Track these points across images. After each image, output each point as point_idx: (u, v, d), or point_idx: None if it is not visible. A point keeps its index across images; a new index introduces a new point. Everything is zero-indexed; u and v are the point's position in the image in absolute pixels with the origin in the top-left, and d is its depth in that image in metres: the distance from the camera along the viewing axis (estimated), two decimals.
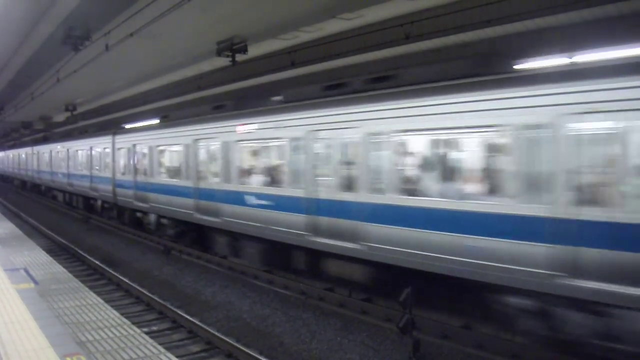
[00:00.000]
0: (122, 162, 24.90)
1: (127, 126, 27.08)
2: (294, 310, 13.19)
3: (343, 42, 15.95)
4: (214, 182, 17.08)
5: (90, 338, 8.33)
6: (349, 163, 11.99)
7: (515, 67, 10.32)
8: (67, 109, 36.41)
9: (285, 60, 17.93)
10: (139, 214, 23.81)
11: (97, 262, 18.01)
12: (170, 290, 15.44)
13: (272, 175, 14.77)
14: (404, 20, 13.73)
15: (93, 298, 10.88)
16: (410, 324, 10.12)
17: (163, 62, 21.71)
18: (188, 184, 18.43)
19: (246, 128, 15.38)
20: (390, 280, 11.48)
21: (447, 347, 10.61)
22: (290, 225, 13.50)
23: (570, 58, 9.63)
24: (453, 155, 10.60)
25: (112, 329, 8.85)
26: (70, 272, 14.31)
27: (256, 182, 15.28)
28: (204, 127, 17.65)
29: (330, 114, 12.28)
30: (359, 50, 15.71)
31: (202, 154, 17.86)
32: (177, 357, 7.99)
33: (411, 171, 11.06)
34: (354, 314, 12.75)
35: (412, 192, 10.74)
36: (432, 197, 10.39)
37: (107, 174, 26.71)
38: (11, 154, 61.09)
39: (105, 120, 39.40)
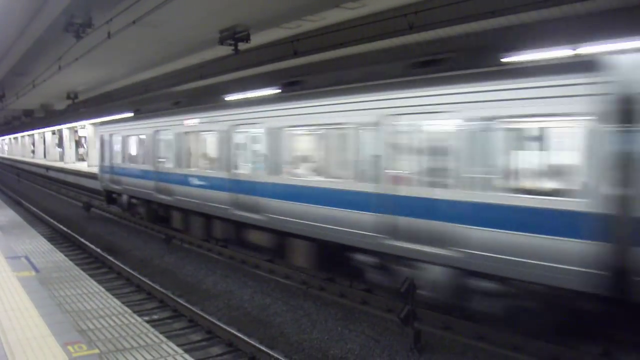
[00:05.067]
0: None
1: None
2: (295, 300, 13.20)
3: (346, 32, 15.88)
4: None
5: (92, 326, 8.34)
6: None
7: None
8: (68, 97, 36.33)
9: (288, 50, 17.86)
10: None
11: (98, 251, 18.02)
12: (171, 279, 15.46)
13: None
14: (408, 10, 13.67)
15: (94, 286, 10.88)
16: (411, 315, 10.13)
17: (165, 51, 21.64)
18: None
19: None
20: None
21: (448, 339, 10.62)
22: None
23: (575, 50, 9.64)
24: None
25: (113, 318, 8.85)
26: (72, 260, 14.34)
27: None
28: None
29: None
30: (362, 40, 15.64)
31: None
32: (177, 346, 7.98)
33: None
34: (354, 304, 12.76)
35: None
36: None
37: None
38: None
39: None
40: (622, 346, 8.85)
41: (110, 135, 25.65)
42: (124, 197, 24.68)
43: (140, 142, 22.68)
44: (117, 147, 24.89)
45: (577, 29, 12.08)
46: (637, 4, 11.51)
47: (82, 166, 52.06)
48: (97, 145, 28.23)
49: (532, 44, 10.80)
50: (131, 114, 26.26)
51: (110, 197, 26.87)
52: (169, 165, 19.65)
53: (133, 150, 23.59)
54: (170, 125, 19.48)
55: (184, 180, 18.47)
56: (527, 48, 10.79)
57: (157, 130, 20.47)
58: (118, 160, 24.77)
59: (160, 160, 20.39)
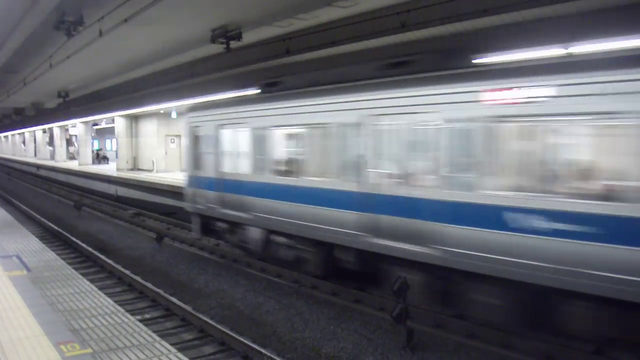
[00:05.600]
0: None
1: None
2: (287, 299, 13.21)
3: (338, 30, 15.86)
4: None
5: (84, 326, 8.30)
6: None
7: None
8: (59, 96, 36.16)
9: (280, 48, 17.83)
10: None
11: (89, 249, 17.96)
12: (163, 277, 15.43)
13: None
14: (400, 8, 13.67)
15: (86, 285, 10.84)
16: (403, 313, 10.15)
17: (157, 49, 21.57)
18: None
19: None
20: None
21: (440, 337, 10.66)
22: None
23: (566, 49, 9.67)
24: None
25: (106, 317, 8.81)
26: (63, 259, 14.26)
27: None
28: None
29: None
30: (354, 38, 15.63)
31: None
32: (170, 345, 7.97)
33: None
34: (347, 303, 12.78)
35: None
36: None
37: None
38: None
39: None
40: (614, 344, 8.90)
41: (218, 128, 16.35)
42: (253, 232, 15.29)
43: (308, 141, 13.58)
44: (238, 147, 15.60)
45: (571, 27, 12.11)
46: None
47: (73, 165, 51.86)
48: (186, 143, 18.55)
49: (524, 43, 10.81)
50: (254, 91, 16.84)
51: (208, 226, 17.56)
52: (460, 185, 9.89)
53: (285, 153, 14.61)
54: (457, 104, 9.95)
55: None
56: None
57: (378, 115, 11.33)
58: (242, 169, 15.39)
59: (397, 174, 11.12)
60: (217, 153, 16.39)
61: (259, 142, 14.69)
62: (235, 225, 16.12)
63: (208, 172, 16.80)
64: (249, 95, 16.78)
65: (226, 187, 16.01)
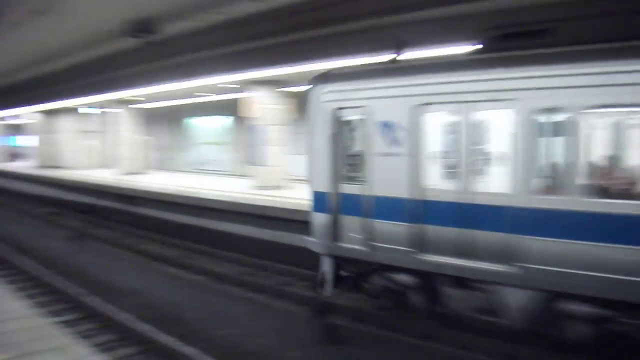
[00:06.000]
0: None
1: None
2: (209, 296, 13.24)
3: (256, 25, 15.90)
4: None
5: None
6: None
7: None
8: None
9: (201, 42, 17.75)
10: None
11: (3, 249, 17.42)
12: (83, 277, 15.12)
13: None
14: (313, 5, 13.84)
15: (0, 288, 10.58)
16: (326, 308, 10.32)
17: (71, 41, 21.09)
18: None
19: None
20: None
21: (362, 330, 10.90)
22: None
23: None
24: None
25: (21, 320, 8.63)
26: None
27: None
28: None
29: None
30: (271, 34, 15.71)
31: None
32: (90, 346, 7.90)
33: None
34: (269, 300, 12.91)
35: None
36: None
37: None
38: None
39: None
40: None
41: (416, 110, 9.51)
42: (513, 295, 8.76)
43: None
44: (480, 144, 8.97)
45: None
46: None
47: None
48: (315, 135, 11.13)
49: None
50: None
51: (341, 273, 11.09)
52: None
53: None
54: None
55: None
56: None
57: None
58: (493, 186, 8.86)
59: None
60: (413, 155, 9.68)
61: (555, 135, 8.28)
62: (450, 283, 9.61)
63: (380, 188, 10.13)
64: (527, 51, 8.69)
65: (435, 216, 9.50)
